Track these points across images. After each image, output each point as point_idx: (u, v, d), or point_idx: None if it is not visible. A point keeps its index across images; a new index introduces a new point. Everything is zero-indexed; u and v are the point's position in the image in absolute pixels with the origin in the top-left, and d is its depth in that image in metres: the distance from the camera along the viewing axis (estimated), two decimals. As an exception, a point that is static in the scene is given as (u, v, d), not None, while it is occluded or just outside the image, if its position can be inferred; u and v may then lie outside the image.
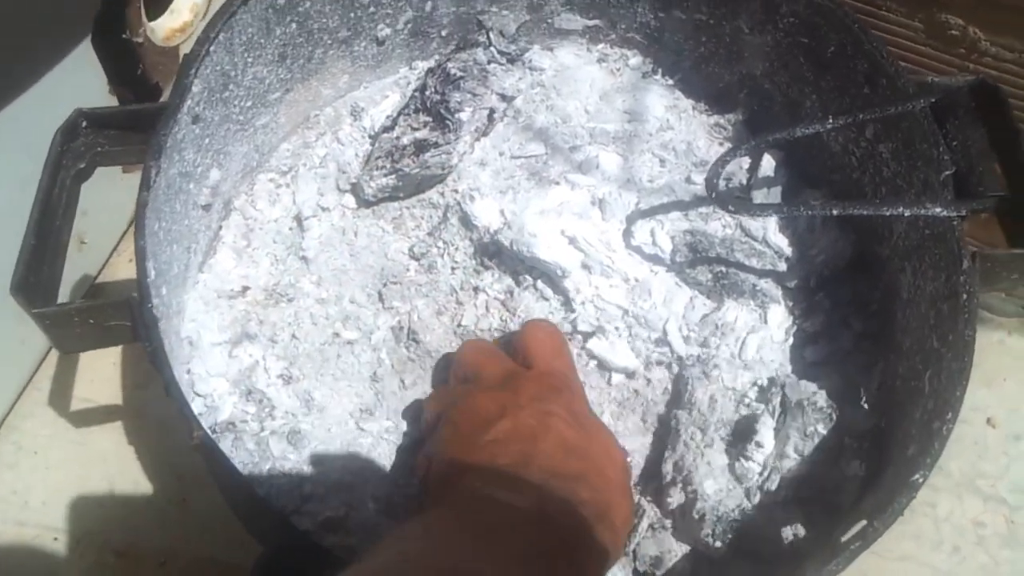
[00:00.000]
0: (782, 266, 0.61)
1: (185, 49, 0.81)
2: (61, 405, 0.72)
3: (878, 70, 0.57)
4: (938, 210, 0.49)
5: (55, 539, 0.66)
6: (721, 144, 0.67)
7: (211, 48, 0.53)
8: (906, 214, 0.50)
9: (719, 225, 0.62)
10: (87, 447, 0.70)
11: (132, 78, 0.75)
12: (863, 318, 0.61)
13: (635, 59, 0.71)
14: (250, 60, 0.58)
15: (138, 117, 0.51)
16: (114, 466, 0.69)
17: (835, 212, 0.53)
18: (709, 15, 0.66)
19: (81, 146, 0.51)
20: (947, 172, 0.51)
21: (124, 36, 0.72)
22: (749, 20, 0.63)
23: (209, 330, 0.58)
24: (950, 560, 0.69)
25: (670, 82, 0.71)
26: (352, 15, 0.64)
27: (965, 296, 0.48)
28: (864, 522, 0.44)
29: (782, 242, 0.61)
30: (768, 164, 0.64)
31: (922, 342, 0.53)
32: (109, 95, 0.73)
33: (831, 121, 0.53)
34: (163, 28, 0.78)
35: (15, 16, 0.59)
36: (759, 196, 0.63)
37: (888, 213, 0.50)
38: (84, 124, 0.51)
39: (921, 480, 0.44)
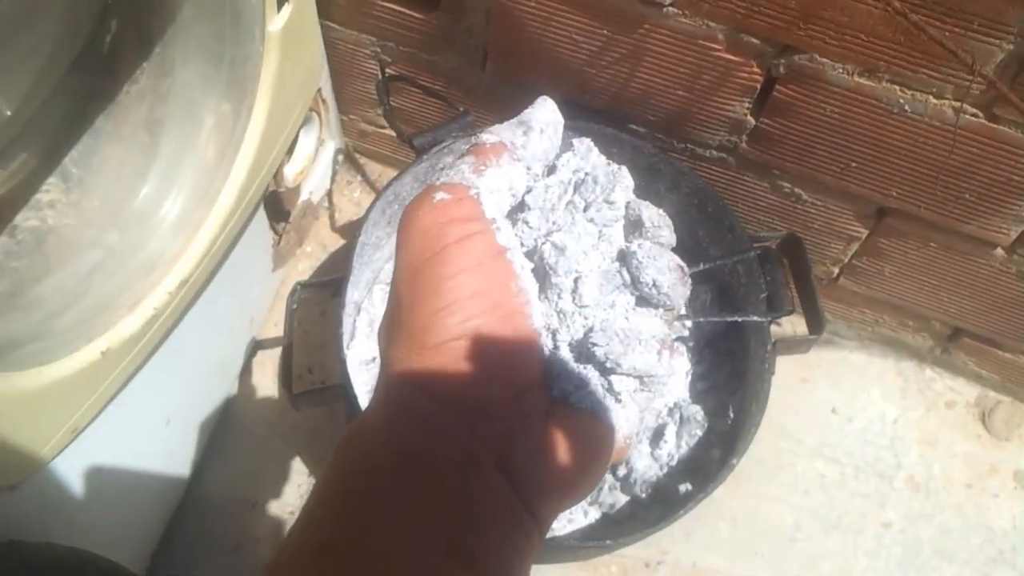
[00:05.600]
0: (686, 332, 1.11)
1: (300, 186, 1.29)
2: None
3: (733, 225, 1.05)
4: (755, 318, 0.99)
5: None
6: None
7: (361, 239, 1.02)
8: (740, 320, 1.00)
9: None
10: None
11: (275, 211, 1.24)
12: (732, 363, 1.11)
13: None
14: (377, 233, 1.07)
15: (326, 284, 1.00)
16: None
17: (713, 319, 1.02)
18: (639, 179, 1.14)
19: (296, 296, 1.00)
20: (762, 295, 1.01)
21: (273, 189, 1.21)
22: (665, 185, 1.12)
23: (357, 384, 1.08)
24: (803, 499, 1.20)
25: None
26: (427, 190, 1.12)
27: (767, 364, 0.98)
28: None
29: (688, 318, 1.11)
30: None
31: (755, 382, 1.04)
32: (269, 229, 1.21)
33: (701, 266, 1.02)
34: (290, 174, 1.26)
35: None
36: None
37: (741, 320, 1.00)
38: (299, 286, 1.00)
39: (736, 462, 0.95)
